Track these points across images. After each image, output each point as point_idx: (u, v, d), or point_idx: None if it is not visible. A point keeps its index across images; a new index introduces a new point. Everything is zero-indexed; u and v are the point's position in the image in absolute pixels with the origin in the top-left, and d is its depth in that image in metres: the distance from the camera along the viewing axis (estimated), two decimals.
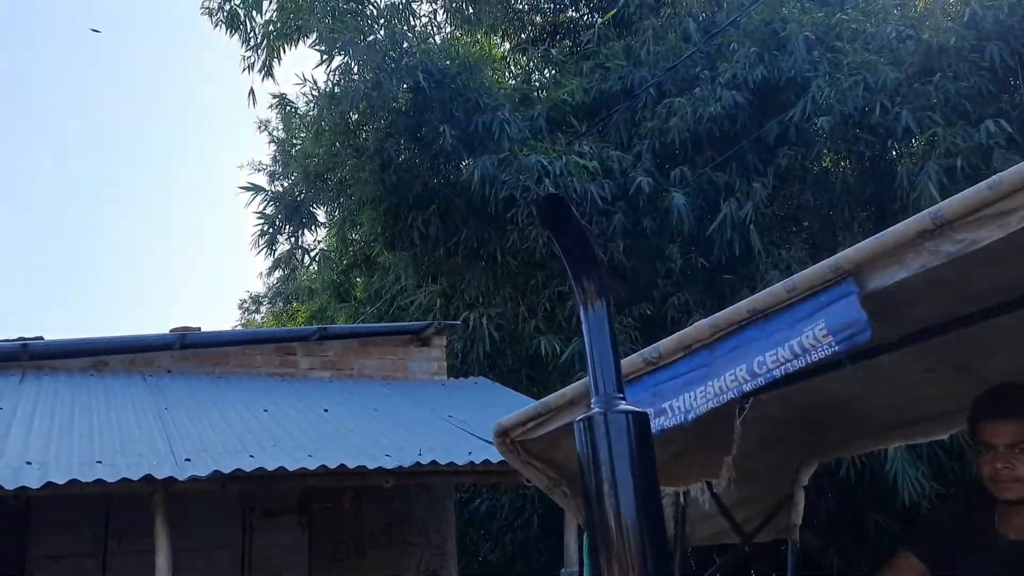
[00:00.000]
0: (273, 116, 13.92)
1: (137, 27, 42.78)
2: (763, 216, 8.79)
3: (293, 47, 10.27)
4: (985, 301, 2.01)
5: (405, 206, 10.05)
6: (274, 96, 11.71)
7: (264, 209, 12.89)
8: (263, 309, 22.58)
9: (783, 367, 1.82)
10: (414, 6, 10.75)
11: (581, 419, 1.32)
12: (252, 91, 10.64)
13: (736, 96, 8.93)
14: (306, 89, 10.95)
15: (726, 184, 9.13)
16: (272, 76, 10.57)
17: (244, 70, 10.62)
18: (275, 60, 10.43)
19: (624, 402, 1.33)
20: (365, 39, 9.45)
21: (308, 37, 9.99)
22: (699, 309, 9.04)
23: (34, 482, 4.09)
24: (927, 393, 2.65)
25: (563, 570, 5.70)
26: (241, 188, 13.00)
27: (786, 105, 9.08)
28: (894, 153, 9.23)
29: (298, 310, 20.15)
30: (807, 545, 7.52)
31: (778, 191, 9.23)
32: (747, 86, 9.01)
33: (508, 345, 9.67)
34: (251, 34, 10.45)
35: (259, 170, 17.20)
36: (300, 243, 14.31)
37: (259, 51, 10.43)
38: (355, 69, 9.70)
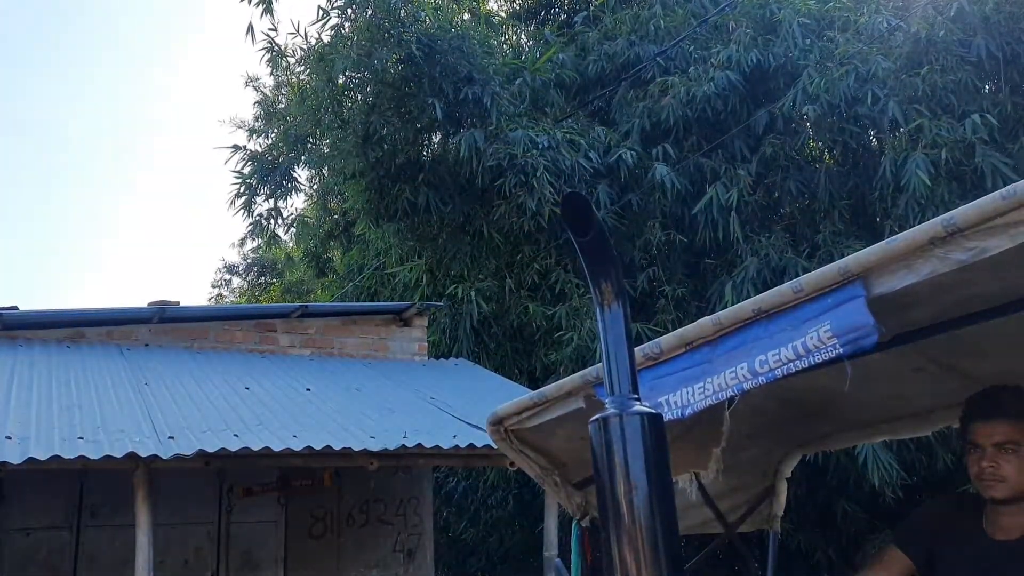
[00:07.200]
0: (263, 70, 13.40)
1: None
2: (745, 203, 8.83)
3: None
4: (980, 304, 2.02)
5: (389, 180, 9.96)
6: (269, 37, 11.03)
7: (241, 168, 12.46)
8: (235, 281, 22.14)
9: (785, 367, 1.83)
10: None
11: (596, 420, 1.32)
12: (251, 26, 10.25)
13: (730, 76, 8.92)
14: (298, 42, 10.60)
15: (712, 170, 9.16)
16: (271, 12, 10.13)
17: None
18: None
19: (639, 403, 1.33)
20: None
21: None
22: (671, 283, 9.11)
23: (15, 457, 4.03)
24: (914, 391, 2.68)
25: (545, 553, 5.74)
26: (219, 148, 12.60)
27: (775, 92, 9.10)
28: (875, 143, 9.28)
29: (272, 283, 19.83)
30: None
31: (762, 178, 9.27)
32: (740, 69, 9.02)
33: (495, 319, 9.67)
34: None
35: (240, 127, 16.78)
36: (276, 206, 13.81)
37: None
38: (348, 29, 9.47)
